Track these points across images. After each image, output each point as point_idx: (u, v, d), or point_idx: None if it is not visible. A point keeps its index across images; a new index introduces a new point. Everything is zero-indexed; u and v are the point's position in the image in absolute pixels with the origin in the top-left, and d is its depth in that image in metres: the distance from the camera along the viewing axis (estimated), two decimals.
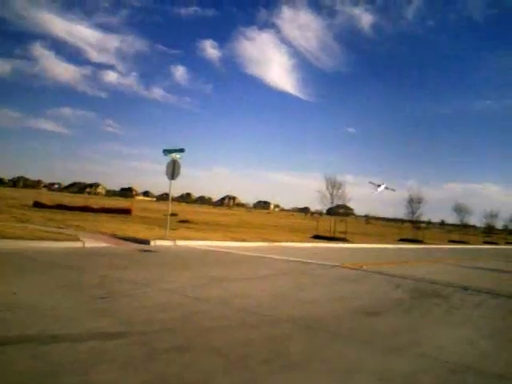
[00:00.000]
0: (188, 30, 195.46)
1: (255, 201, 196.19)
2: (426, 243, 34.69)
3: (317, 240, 24.57)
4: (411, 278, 10.75)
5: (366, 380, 3.67)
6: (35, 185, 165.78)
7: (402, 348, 4.67)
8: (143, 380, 3.25)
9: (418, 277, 11.18)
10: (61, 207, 33.48)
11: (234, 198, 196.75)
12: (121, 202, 58.48)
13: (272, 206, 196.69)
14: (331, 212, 35.75)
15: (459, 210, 55.71)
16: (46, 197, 49.06)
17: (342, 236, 27.61)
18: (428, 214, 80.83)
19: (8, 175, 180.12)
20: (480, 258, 23.91)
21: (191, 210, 71.99)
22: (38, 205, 33.71)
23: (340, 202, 33.07)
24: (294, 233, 30.44)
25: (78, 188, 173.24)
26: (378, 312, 6.51)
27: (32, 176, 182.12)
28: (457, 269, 15.68)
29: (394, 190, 43.70)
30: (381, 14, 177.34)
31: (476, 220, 71.46)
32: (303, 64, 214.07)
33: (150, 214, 36.30)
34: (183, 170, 15.92)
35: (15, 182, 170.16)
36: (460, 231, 59.97)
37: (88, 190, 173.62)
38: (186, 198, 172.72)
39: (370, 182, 42.31)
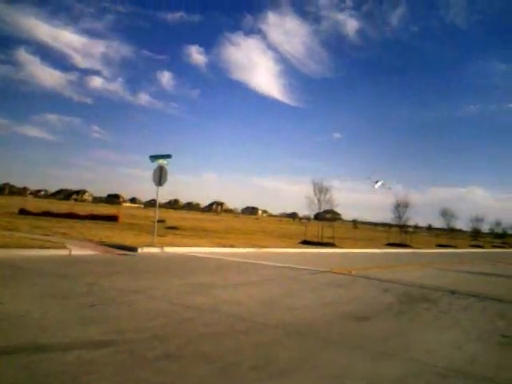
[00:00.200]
0: (174, 36, 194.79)
1: (243, 206, 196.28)
2: (413, 247, 34.97)
3: (305, 245, 24.62)
4: (399, 283, 10.83)
5: None
6: (21, 192, 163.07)
7: (391, 353, 4.70)
8: None
9: (406, 281, 11.27)
10: (47, 214, 33.19)
11: (221, 204, 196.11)
12: (108, 209, 57.93)
13: (260, 212, 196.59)
14: (319, 217, 35.86)
15: (446, 214, 56.42)
16: (32, 204, 48.43)
17: (330, 241, 27.70)
18: (415, 219, 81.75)
19: None
20: (467, 261, 24.19)
21: (179, 216, 71.65)
22: (23, 212, 33.38)
23: (328, 207, 33.27)
24: (282, 238, 30.47)
25: (65, 195, 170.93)
26: (368, 317, 6.54)
27: (18, 183, 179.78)
28: (444, 273, 15.84)
29: (390, 187, 44.08)
30: (366, 19, 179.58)
31: (463, 224, 72.62)
32: (290, 69, 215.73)
33: (138, 221, 36.06)
34: (170, 177, 15.87)
35: (1, 190, 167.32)
36: (447, 235, 60.54)
37: (74, 196, 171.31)
38: (173, 205, 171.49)
39: (368, 177, 42.76)
